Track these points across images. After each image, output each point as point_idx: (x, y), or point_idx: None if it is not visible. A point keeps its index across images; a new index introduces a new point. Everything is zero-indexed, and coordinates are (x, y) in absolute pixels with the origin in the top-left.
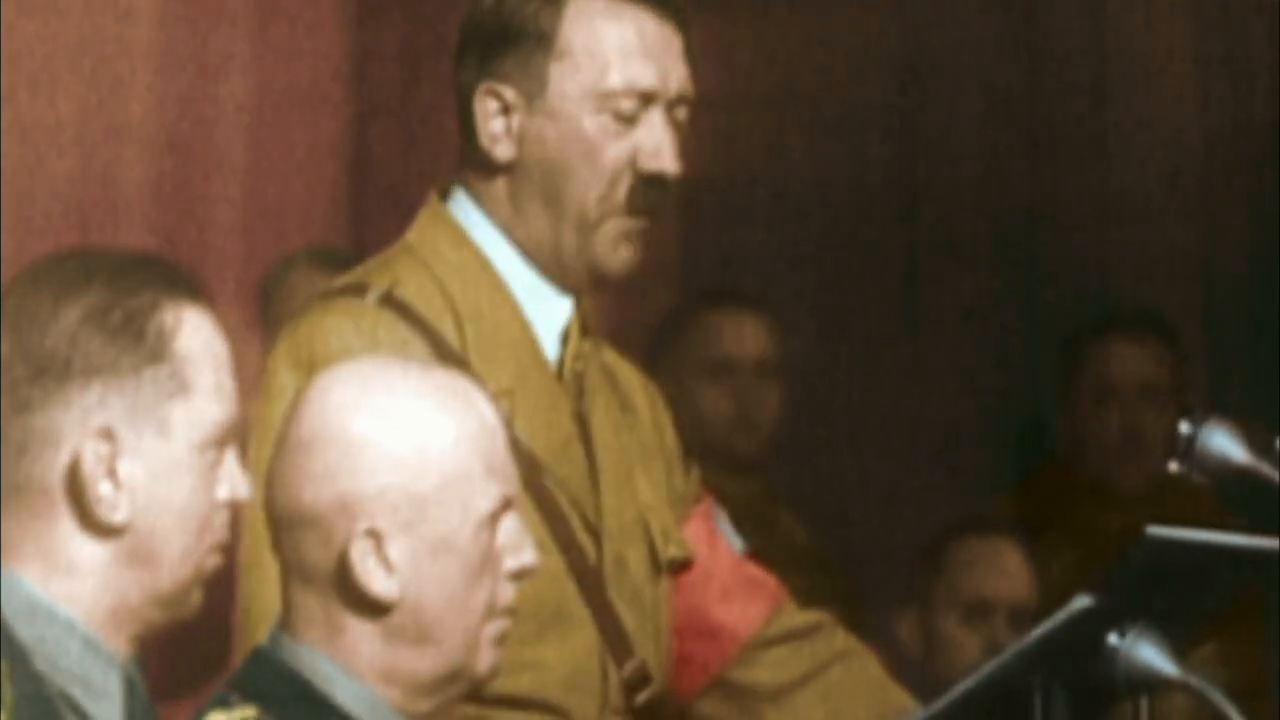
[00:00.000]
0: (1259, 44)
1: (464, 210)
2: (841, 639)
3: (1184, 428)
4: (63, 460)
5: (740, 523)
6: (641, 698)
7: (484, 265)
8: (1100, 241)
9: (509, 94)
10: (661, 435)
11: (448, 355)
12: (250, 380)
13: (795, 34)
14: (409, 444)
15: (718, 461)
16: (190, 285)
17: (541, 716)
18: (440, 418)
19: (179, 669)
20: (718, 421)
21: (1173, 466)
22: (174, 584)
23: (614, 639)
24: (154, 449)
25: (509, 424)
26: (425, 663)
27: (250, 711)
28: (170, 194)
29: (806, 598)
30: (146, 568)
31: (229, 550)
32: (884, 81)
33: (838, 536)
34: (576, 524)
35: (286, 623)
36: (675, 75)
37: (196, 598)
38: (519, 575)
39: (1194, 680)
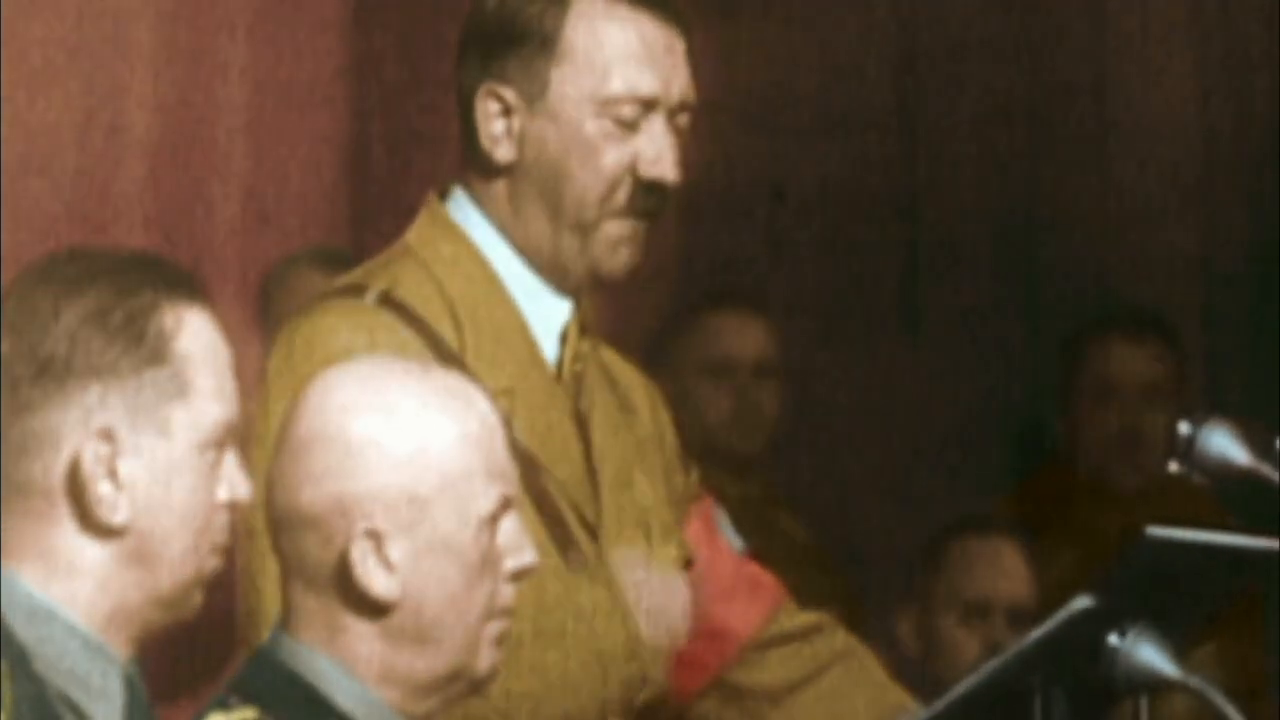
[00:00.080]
0: (1259, 44)
1: (463, 211)
2: (841, 639)
3: (1184, 428)
4: (63, 461)
5: (740, 523)
6: (641, 698)
7: (483, 266)
8: (1100, 241)
9: (510, 96)
10: (661, 435)
11: (447, 356)
12: (250, 381)
13: (795, 34)
14: (409, 444)
15: (717, 461)
16: (190, 286)
17: (541, 716)
18: (440, 418)
19: (179, 670)
20: (717, 421)
21: (1172, 466)
22: (174, 585)
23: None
24: (154, 450)
25: (508, 424)
26: (425, 663)
27: (250, 713)
28: (170, 194)
29: (806, 598)
30: (147, 568)
31: (229, 551)
32: (884, 81)
33: (838, 536)
34: (575, 524)
35: (286, 623)
36: (677, 82)
37: (197, 599)
38: (519, 575)
39: (1194, 681)
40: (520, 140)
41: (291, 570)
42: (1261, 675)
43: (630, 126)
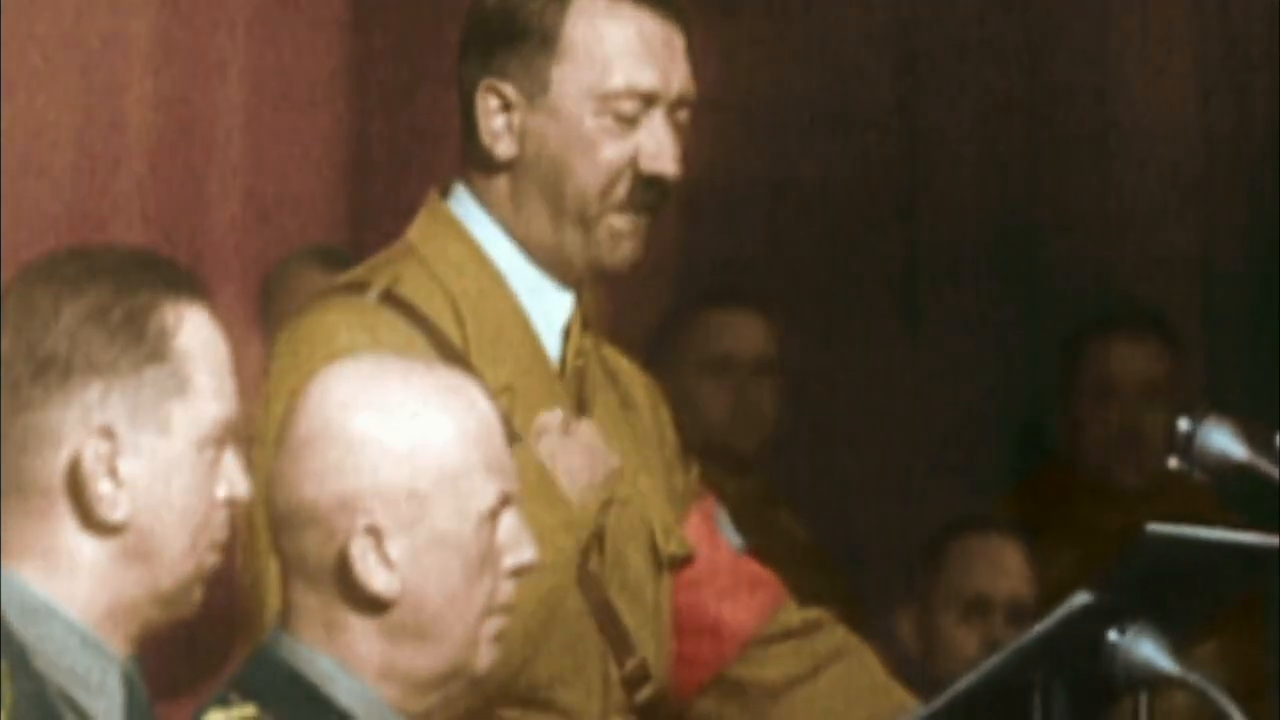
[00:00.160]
0: (1259, 44)
1: (465, 208)
2: (841, 636)
3: (1183, 425)
4: (63, 459)
5: (739, 521)
6: (642, 695)
7: (484, 262)
8: (1100, 241)
9: (510, 92)
10: (662, 432)
11: (448, 352)
12: (250, 379)
13: (795, 33)
14: (409, 441)
15: (717, 459)
16: (190, 284)
17: (541, 714)
18: (439, 415)
19: (178, 668)
20: (717, 419)
21: (1172, 463)
22: (174, 582)
23: (614, 637)
24: (154, 447)
25: (509, 421)
26: (425, 660)
27: (250, 710)
28: (169, 192)
29: (805, 596)
30: (146, 566)
31: (228, 549)
32: (884, 81)
33: (837, 535)
34: None
35: (286, 621)
36: (677, 77)
37: (196, 596)
38: (519, 572)
39: (1194, 678)
40: (521, 136)
41: (291, 567)
42: (1261, 675)
43: (630, 122)
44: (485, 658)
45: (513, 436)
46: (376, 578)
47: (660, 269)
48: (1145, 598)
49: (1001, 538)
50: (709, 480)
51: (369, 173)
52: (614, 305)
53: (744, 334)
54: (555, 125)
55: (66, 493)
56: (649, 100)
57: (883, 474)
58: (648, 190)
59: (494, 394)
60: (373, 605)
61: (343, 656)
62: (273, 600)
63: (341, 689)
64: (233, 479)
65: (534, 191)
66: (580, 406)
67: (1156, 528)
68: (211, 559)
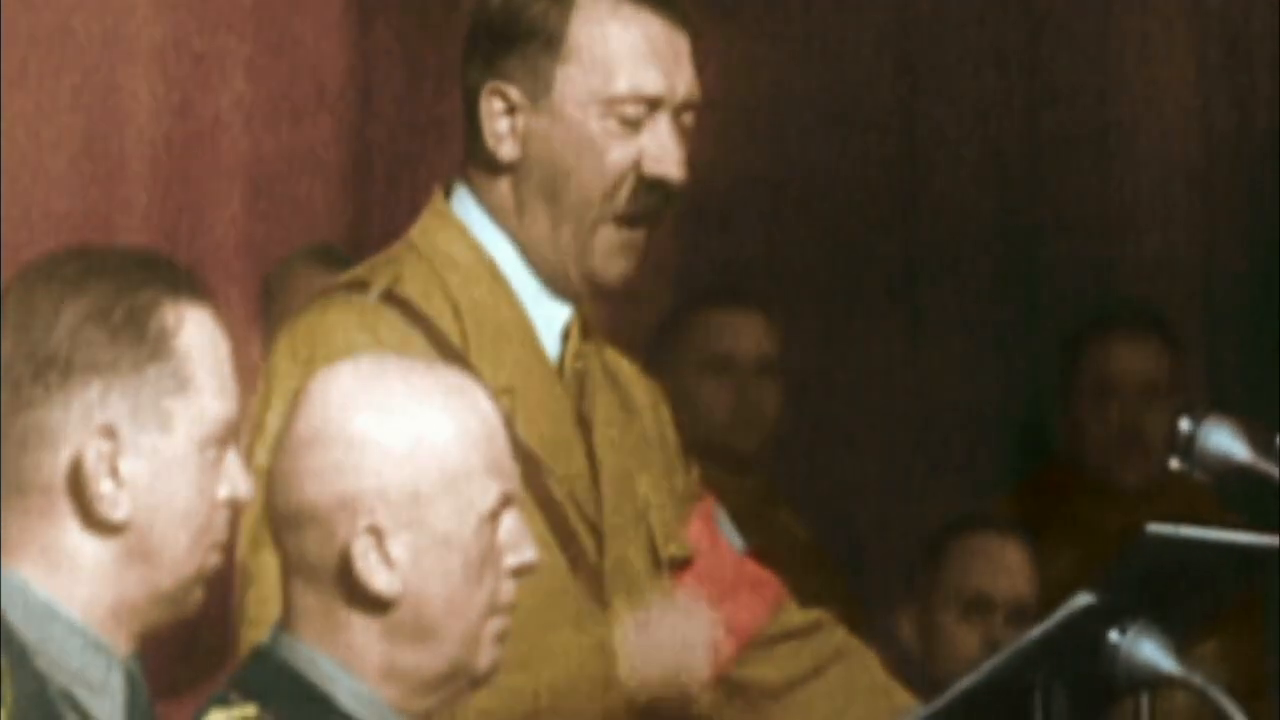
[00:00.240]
0: (1259, 45)
1: (467, 208)
2: (842, 637)
3: (1184, 425)
4: (64, 458)
5: (739, 521)
6: (643, 696)
7: (486, 263)
8: (1100, 241)
9: (514, 94)
10: (662, 434)
11: (449, 353)
12: (252, 378)
13: (796, 34)
14: (410, 441)
15: (717, 459)
16: (191, 283)
17: (542, 715)
18: (441, 415)
19: (178, 667)
20: (717, 419)
21: (1173, 464)
22: (175, 582)
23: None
24: (155, 447)
25: (510, 422)
26: (426, 660)
27: (250, 710)
28: (171, 192)
29: (806, 596)
30: (148, 566)
31: (229, 548)
32: (884, 82)
33: (838, 535)
34: (577, 522)
35: (287, 621)
36: (682, 81)
37: (197, 596)
38: (520, 572)
39: (1195, 678)
40: (525, 139)
41: (292, 567)
42: (1261, 675)
43: (635, 125)
44: (486, 658)
45: (516, 441)
46: (378, 577)
47: (660, 269)
48: (1146, 598)
49: (1002, 537)
50: (709, 480)
51: (370, 173)
52: (614, 305)
53: (744, 334)
54: (559, 128)
55: (68, 492)
56: (654, 104)
57: (883, 474)
58: (651, 194)
59: (494, 395)
60: (374, 605)
61: (343, 656)
62: (271, 600)
63: (342, 689)
64: (234, 479)
65: (536, 195)
66: (580, 409)
67: (1157, 528)
68: (213, 559)
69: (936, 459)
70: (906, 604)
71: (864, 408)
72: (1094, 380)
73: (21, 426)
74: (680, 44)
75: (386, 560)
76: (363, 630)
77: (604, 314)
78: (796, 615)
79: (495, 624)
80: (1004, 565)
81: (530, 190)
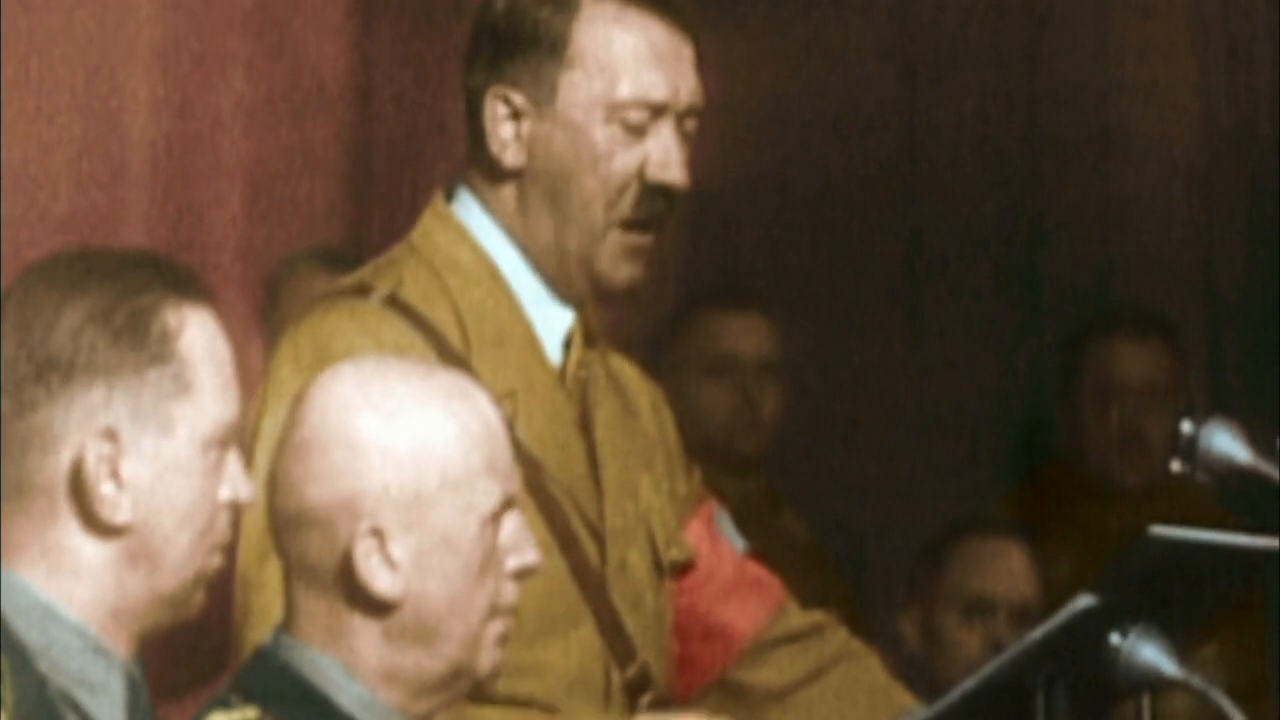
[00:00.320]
0: (1259, 44)
1: (469, 212)
2: (843, 639)
3: (1186, 427)
4: (66, 460)
5: (741, 522)
6: (643, 700)
7: (488, 268)
8: (1101, 241)
9: (518, 99)
10: (664, 436)
11: (451, 357)
12: (253, 380)
13: (797, 36)
14: (412, 443)
15: (718, 461)
16: (193, 285)
17: (543, 719)
18: (443, 417)
19: (178, 670)
20: (718, 421)
21: (1175, 466)
22: (176, 584)
23: (616, 642)
24: (157, 449)
25: (511, 425)
26: (427, 662)
27: (251, 712)
28: (172, 194)
29: (808, 597)
30: (149, 568)
31: (230, 551)
32: (885, 83)
33: (839, 536)
34: (579, 526)
35: (288, 623)
36: (685, 87)
37: (198, 598)
38: (521, 574)
39: (1195, 680)
40: (529, 144)
41: (294, 569)
42: (1261, 675)
43: (639, 131)
44: (488, 660)
45: (517, 445)
46: (380, 580)
47: (662, 270)
48: (1147, 600)
49: (1004, 539)
50: (711, 482)
51: (371, 174)
52: (616, 307)
53: (746, 335)
54: (563, 134)
55: (69, 494)
56: (658, 110)
57: (884, 475)
58: (654, 200)
59: (496, 398)
60: (376, 607)
61: (345, 658)
62: (272, 602)
63: (343, 691)
64: (236, 481)
65: (540, 200)
66: (582, 412)
67: (1158, 530)
68: (214, 561)
69: (937, 460)
70: (908, 606)
71: (864, 408)
72: (1095, 381)
73: (23, 428)
74: (684, 49)
75: (388, 562)
76: (364, 632)
77: (606, 316)
78: (798, 617)
79: (497, 626)
80: (1006, 567)
81: (534, 195)
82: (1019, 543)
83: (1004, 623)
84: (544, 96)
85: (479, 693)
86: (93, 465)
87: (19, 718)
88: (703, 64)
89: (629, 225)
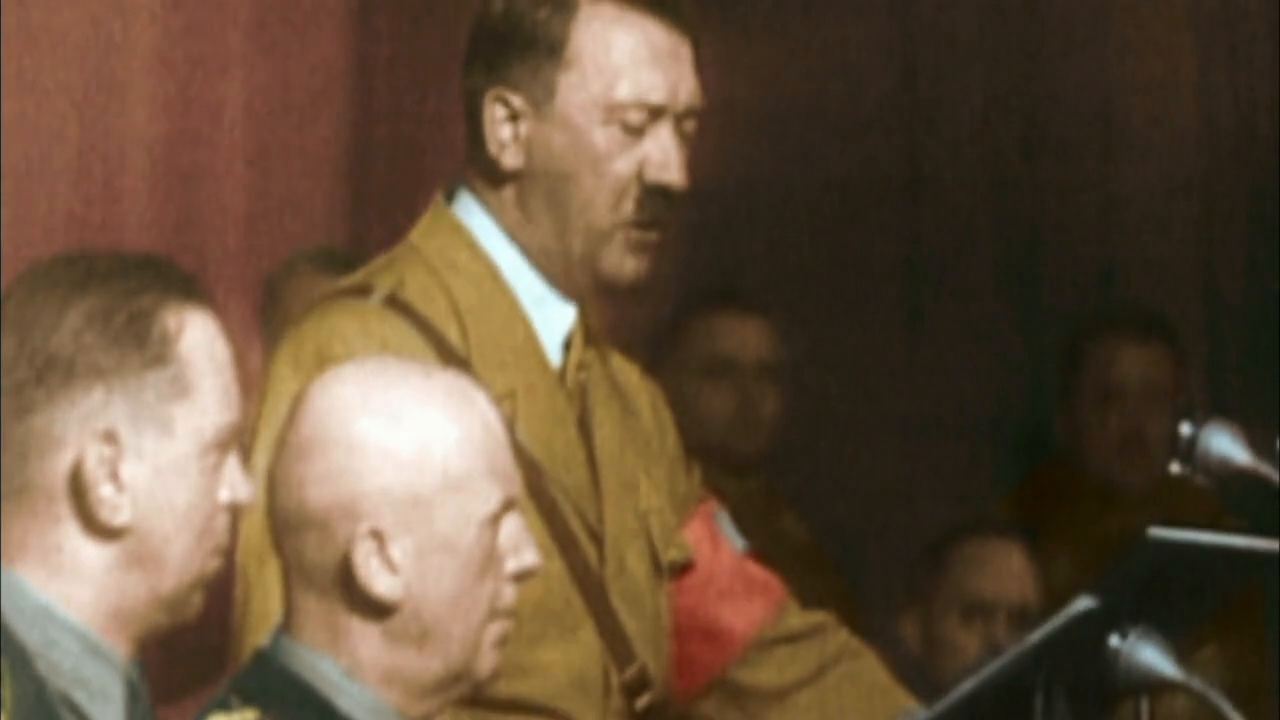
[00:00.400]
0: (1260, 45)
1: (469, 213)
2: (844, 639)
3: (1185, 429)
4: (65, 462)
5: (740, 523)
6: (642, 702)
7: (488, 268)
8: (1101, 242)
9: (517, 101)
10: (663, 436)
11: (451, 358)
12: (253, 381)
13: (797, 36)
14: (411, 444)
15: (718, 462)
16: (193, 287)
17: None
18: (442, 418)
19: (177, 671)
20: (718, 422)
21: (1174, 468)
22: (175, 586)
23: (615, 643)
24: (156, 451)
25: (511, 427)
26: (426, 664)
27: (250, 714)
28: (172, 195)
29: (806, 598)
30: (148, 570)
31: (230, 552)
32: (884, 84)
33: (838, 536)
34: (578, 528)
35: (288, 624)
36: (684, 88)
37: (198, 600)
38: (520, 576)
39: (1195, 681)
40: (528, 146)
41: (293, 571)
42: (1261, 676)
43: (637, 132)
44: (487, 662)
45: (517, 446)
46: (379, 581)
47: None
48: (1146, 602)
49: (1004, 541)
50: (710, 483)
51: (371, 175)
52: (616, 308)
53: (746, 337)
54: (562, 135)
55: (69, 496)
56: (656, 112)
57: (884, 476)
58: (654, 201)
59: (496, 400)
60: (375, 609)
61: (344, 660)
62: (270, 604)
63: (343, 693)
64: (235, 483)
65: (540, 201)
66: (581, 414)
67: (1158, 532)
68: (213, 563)
69: (937, 461)
70: (908, 607)
71: (864, 409)
72: (1095, 383)
73: (23, 430)
74: (682, 50)
75: (388, 564)
76: (363, 634)
77: (606, 316)
78: (799, 617)
79: (496, 628)
80: (1005, 569)
81: (534, 196)
82: (1018, 544)
83: (1003, 624)
84: (542, 98)
85: (478, 694)
86: (92, 467)
87: (18, 719)
88: (703, 64)
89: (633, 225)
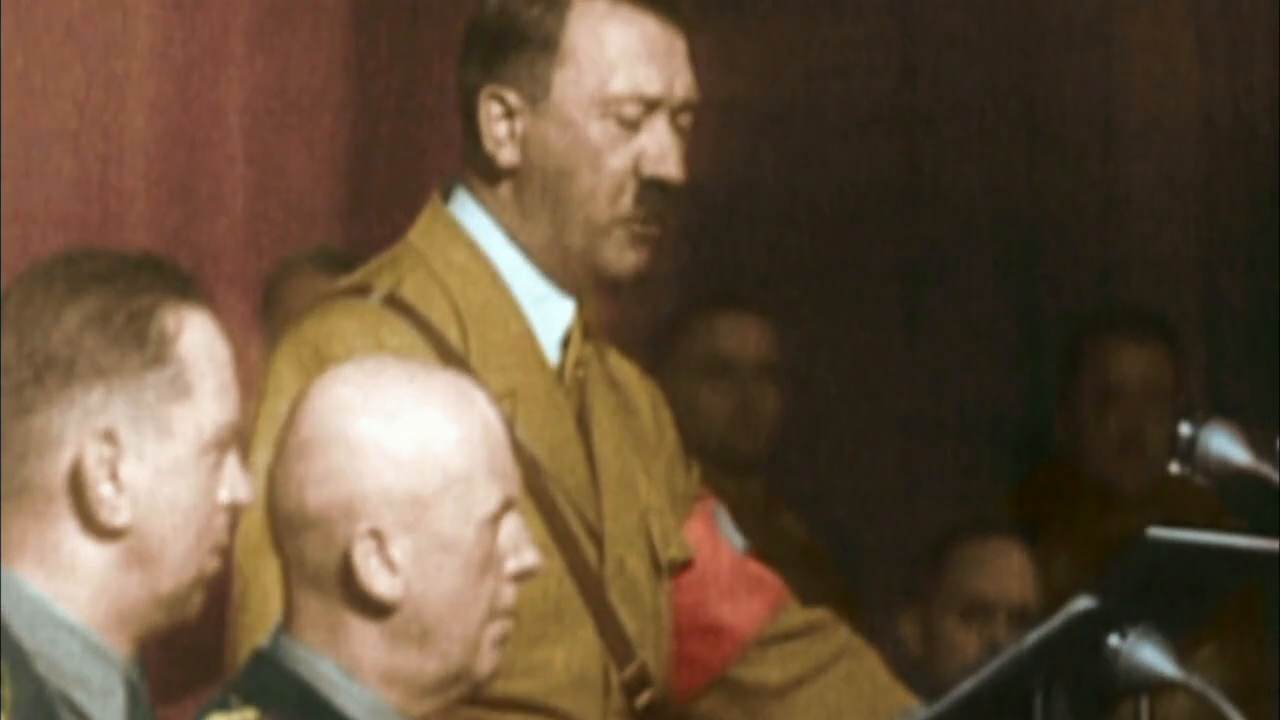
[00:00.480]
0: (1260, 45)
1: (466, 211)
2: (844, 637)
3: (1185, 429)
4: (65, 462)
5: (740, 523)
6: (642, 700)
7: (486, 267)
8: (1100, 242)
9: (512, 98)
10: (662, 434)
11: (451, 357)
12: (252, 381)
13: (796, 35)
14: (411, 444)
15: (717, 461)
16: (192, 287)
17: (542, 719)
18: (442, 418)
19: (176, 671)
20: (717, 422)
21: (1174, 468)
22: (175, 586)
23: (615, 642)
24: (156, 451)
25: (510, 426)
26: (426, 664)
27: (250, 713)
28: (171, 195)
29: (807, 598)
30: (148, 570)
31: (229, 552)
32: (884, 83)
33: (838, 536)
34: (577, 527)
35: (287, 624)
36: (680, 81)
37: (197, 600)
38: (520, 576)
39: (1194, 681)
40: (524, 143)
41: (293, 571)
42: (1261, 675)
43: (633, 126)
44: (487, 662)
45: (517, 445)
46: (379, 581)
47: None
48: (1146, 602)
49: (1004, 540)
50: (710, 482)
51: (371, 175)
52: (616, 308)
53: (745, 337)
54: (558, 131)
55: (68, 496)
56: (652, 105)
57: (884, 476)
58: (652, 195)
59: (495, 399)
60: (375, 609)
61: (344, 660)
62: (269, 604)
63: (343, 692)
64: (235, 483)
65: (538, 198)
66: (580, 412)
67: (1157, 532)
68: (213, 563)
69: (936, 461)
70: (908, 607)
71: (863, 409)
72: (1094, 383)
73: (22, 430)
74: (677, 44)
75: (388, 564)
76: (363, 634)
77: (606, 315)
78: (798, 615)
79: (496, 628)
80: (1005, 569)
81: (531, 192)
82: (1018, 544)
83: (1003, 624)
84: (538, 94)
85: (478, 694)
86: (92, 467)
87: (18, 719)
88: (702, 64)
89: (631, 220)
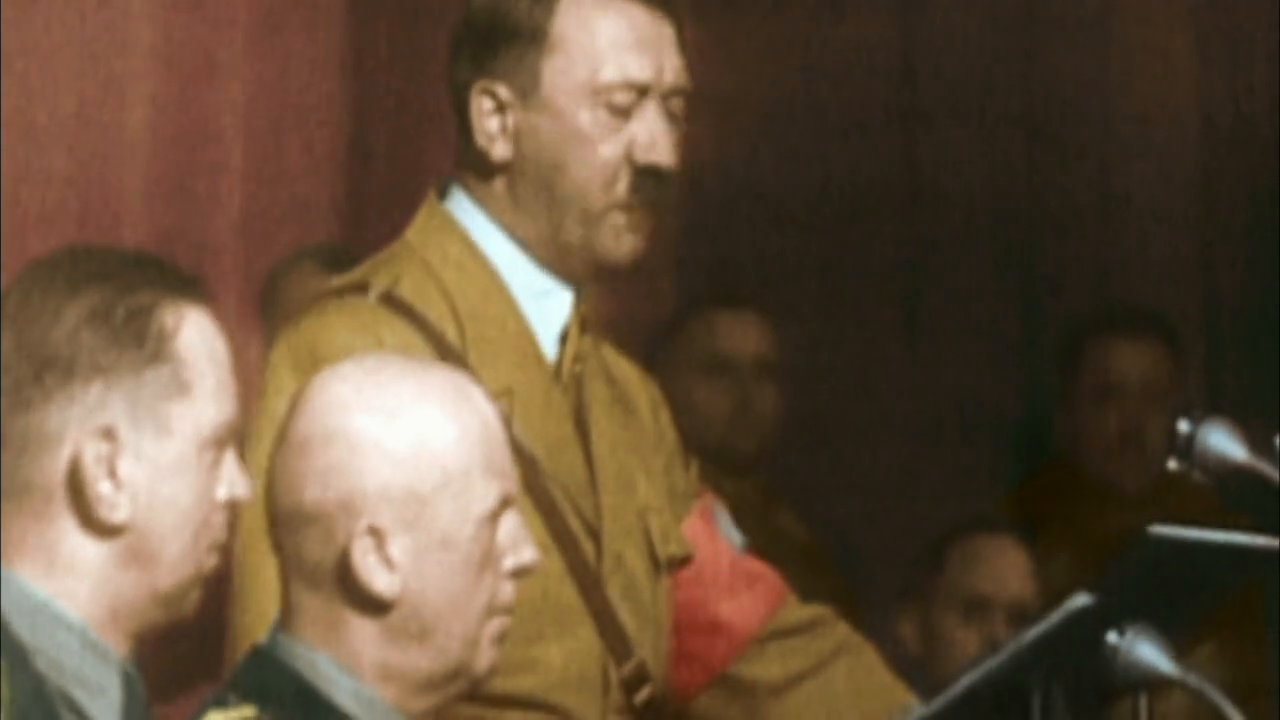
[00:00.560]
0: (1260, 45)
1: (462, 208)
2: (843, 633)
3: (1184, 426)
4: (63, 459)
5: (739, 522)
6: (641, 697)
7: (483, 264)
8: (1100, 241)
9: (503, 92)
10: (661, 432)
11: (448, 355)
12: (251, 379)
13: (796, 34)
14: (410, 442)
15: (716, 461)
16: (191, 285)
17: (542, 717)
18: (441, 415)
19: (174, 668)
20: (716, 420)
21: (1172, 465)
22: (173, 584)
23: (613, 639)
24: (155, 449)
25: (508, 423)
26: (425, 661)
27: (249, 711)
28: (170, 194)
29: (806, 597)
30: (146, 567)
31: (227, 550)
32: (884, 82)
33: (838, 536)
34: (575, 524)
35: (286, 621)
36: (669, 67)
37: (195, 597)
38: (519, 573)
39: (1193, 679)
40: (516, 136)
41: (292, 568)
42: (1261, 675)
43: (624, 114)
44: (485, 659)
45: (514, 443)
46: (378, 578)
47: (660, 270)
48: (1145, 599)
49: (1003, 539)
50: (708, 482)
51: (370, 174)
52: (614, 306)
53: (744, 335)
54: (549, 122)
55: (67, 493)
56: (642, 91)
57: (883, 475)
58: (645, 182)
59: (493, 396)
60: (374, 606)
61: (343, 657)
62: (268, 601)
63: (341, 690)
64: (233, 480)
65: (532, 190)
66: (578, 410)
67: (1157, 529)
68: (211, 560)
69: (935, 460)
70: (906, 605)
71: (862, 408)
72: (1094, 382)
73: (21, 427)
74: (665, 31)
75: (386, 561)
76: (362, 631)
77: (604, 314)
78: (797, 612)
79: (494, 625)
80: (1004, 567)
81: (525, 185)
82: (1018, 542)
83: (1002, 622)
84: (528, 86)
85: (476, 691)
86: (90, 464)
87: (16, 716)
88: (701, 60)
89: (626, 207)
